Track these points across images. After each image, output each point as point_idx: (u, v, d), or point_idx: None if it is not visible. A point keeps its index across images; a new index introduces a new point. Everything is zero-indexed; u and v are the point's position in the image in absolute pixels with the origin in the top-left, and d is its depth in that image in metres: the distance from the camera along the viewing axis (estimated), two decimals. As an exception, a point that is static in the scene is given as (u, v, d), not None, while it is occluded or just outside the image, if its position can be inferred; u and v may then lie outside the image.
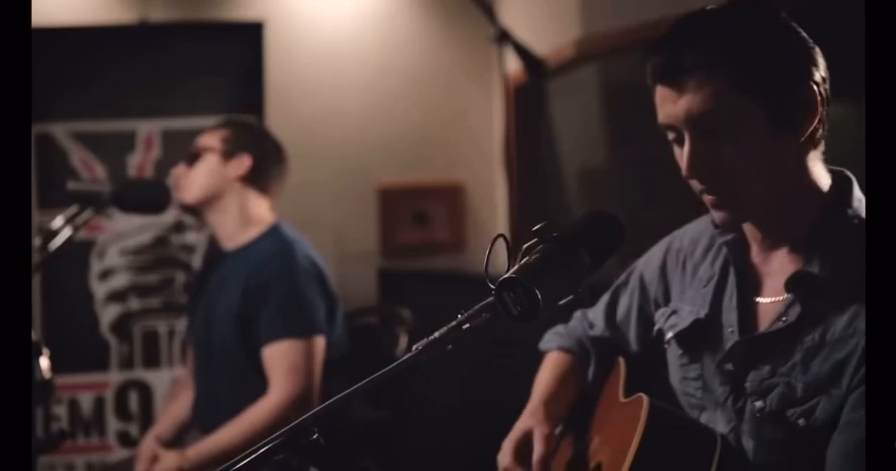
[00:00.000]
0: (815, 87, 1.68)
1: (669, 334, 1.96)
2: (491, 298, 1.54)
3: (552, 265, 1.55)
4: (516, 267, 1.55)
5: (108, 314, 4.37)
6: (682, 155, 1.71)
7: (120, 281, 4.39)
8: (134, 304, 4.40)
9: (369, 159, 4.91)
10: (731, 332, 1.83)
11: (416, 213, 4.98)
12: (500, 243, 5.08)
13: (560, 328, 2.32)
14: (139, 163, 4.39)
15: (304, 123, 4.61)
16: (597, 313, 2.23)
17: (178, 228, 4.42)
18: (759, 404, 1.76)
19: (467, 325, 1.54)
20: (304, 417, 1.53)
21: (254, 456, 1.51)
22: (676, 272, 2.01)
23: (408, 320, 3.27)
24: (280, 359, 3.01)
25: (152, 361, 4.41)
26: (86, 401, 4.34)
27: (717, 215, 1.75)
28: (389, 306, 3.44)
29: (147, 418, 4.36)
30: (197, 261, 4.43)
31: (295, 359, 3.00)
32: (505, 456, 2.11)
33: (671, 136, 1.74)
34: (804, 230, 1.74)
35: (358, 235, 4.89)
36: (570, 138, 4.50)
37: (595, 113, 4.28)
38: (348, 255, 4.77)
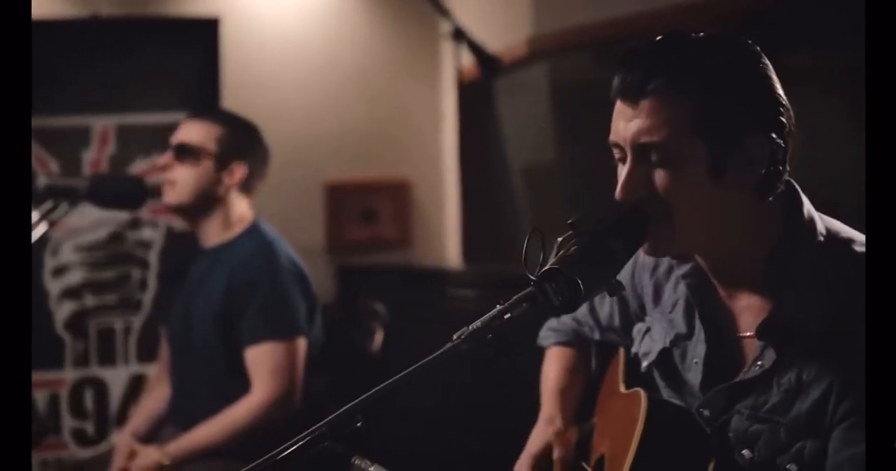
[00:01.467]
0: (767, 144, 1.66)
1: (644, 363, 1.98)
2: (531, 289, 1.57)
3: (590, 256, 1.58)
4: (555, 258, 1.59)
5: (62, 311, 4.32)
6: (620, 176, 1.70)
7: (74, 278, 4.34)
8: (89, 301, 4.35)
9: (318, 156, 4.91)
10: (695, 362, 1.85)
11: (364, 209, 5.00)
12: (448, 239, 5.07)
13: (553, 323, 2.34)
14: (94, 159, 4.34)
15: (260, 119, 4.58)
16: (584, 316, 2.24)
17: (134, 224, 4.38)
18: (746, 453, 1.77)
19: (508, 314, 1.56)
20: (348, 405, 1.56)
21: (300, 444, 1.54)
22: (643, 285, 2.01)
23: (383, 316, 3.31)
24: (263, 360, 3.01)
25: (108, 358, 4.36)
26: (40, 399, 4.29)
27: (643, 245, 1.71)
28: (363, 302, 3.46)
29: (103, 416, 4.33)
30: (153, 257, 4.40)
31: (277, 360, 3.01)
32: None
33: (617, 154, 1.72)
34: (759, 264, 1.73)
35: (305, 232, 4.89)
36: (519, 136, 4.56)
37: (545, 111, 4.34)
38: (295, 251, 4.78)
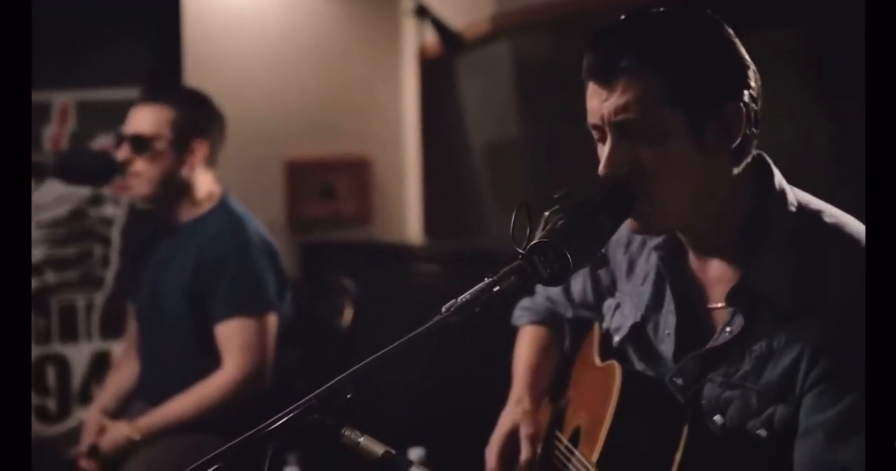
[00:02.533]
0: (742, 107, 1.69)
1: (616, 339, 2.02)
2: (520, 262, 1.59)
3: (578, 230, 1.61)
4: (544, 232, 1.60)
5: (23, 288, 4.28)
6: (602, 154, 1.72)
7: (36, 254, 4.28)
8: (50, 277, 4.31)
9: (278, 132, 4.88)
10: (667, 334, 1.89)
11: (323, 186, 4.98)
12: (408, 216, 5.05)
13: (526, 302, 2.36)
14: (54, 135, 4.29)
15: (220, 95, 4.57)
16: (557, 294, 2.26)
17: (96, 200, 4.33)
18: (718, 419, 1.80)
19: (497, 287, 1.58)
20: (337, 378, 1.58)
21: (291, 415, 1.55)
22: (616, 262, 2.03)
23: (351, 291, 3.32)
24: (234, 336, 3.02)
25: (70, 335, 4.33)
26: (1, 376, 4.25)
27: (629, 222, 1.74)
28: (332, 279, 3.47)
29: (65, 393, 4.30)
30: (115, 234, 4.36)
31: (248, 336, 3.02)
32: (491, 457, 2.18)
33: (596, 135, 1.75)
34: (733, 235, 1.77)
35: (264, 209, 4.85)
36: (481, 113, 4.57)
37: (507, 88, 4.35)
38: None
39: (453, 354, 3.02)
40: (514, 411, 2.21)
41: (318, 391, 1.56)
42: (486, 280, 1.59)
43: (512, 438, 2.18)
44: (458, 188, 4.70)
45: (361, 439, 1.56)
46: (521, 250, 1.59)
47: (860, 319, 1.61)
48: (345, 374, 1.57)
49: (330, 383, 1.57)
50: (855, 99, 2.66)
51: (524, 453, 2.14)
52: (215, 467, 1.51)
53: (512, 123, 4.34)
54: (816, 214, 1.77)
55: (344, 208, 5.01)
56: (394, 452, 1.56)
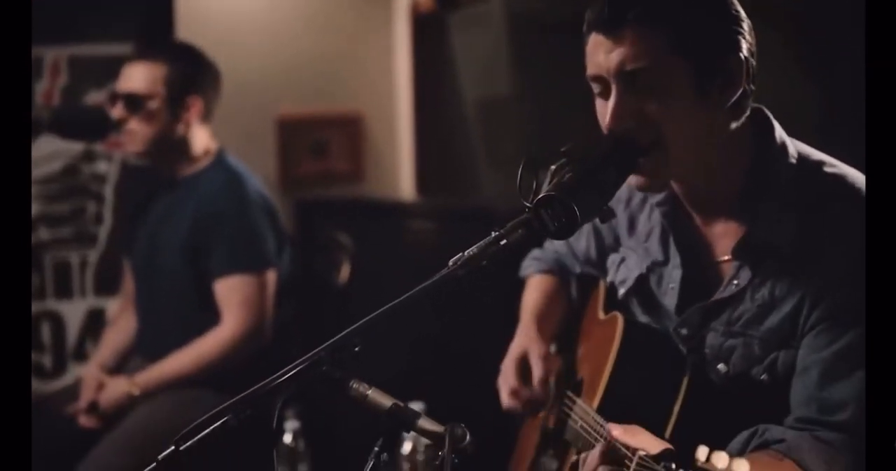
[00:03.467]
0: (741, 59, 1.71)
1: (621, 291, 2.04)
2: (527, 215, 1.59)
3: (586, 183, 1.61)
4: (551, 185, 1.60)
5: (17, 245, 4.26)
6: (606, 108, 1.71)
7: (29, 210, 4.27)
8: (44, 234, 4.29)
9: (269, 89, 4.85)
10: (671, 287, 1.91)
11: (315, 143, 4.97)
12: (401, 173, 5.04)
13: (536, 253, 2.39)
14: (46, 90, 4.25)
15: (212, 52, 4.55)
16: (564, 250, 2.30)
17: (89, 156, 4.30)
18: (721, 367, 1.84)
19: (504, 241, 1.59)
20: (346, 331, 1.58)
21: (299, 368, 1.56)
22: (616, 218, 2.02)
23: (348, 248, 3.32)
24: (233, 293, 3.02)
25: (64, 291, 4.32)
26: (-4, 333, 4.25)
27: (634, 179, 1.74)
28: (328, 235, 3.47)
29: (60, 350, 4.30)
30: (108, 191, 4.34)
31: (247, 293, 3.02)
32: (508, 377, 2.20)
33: (597, 88, 1.75)
34: (735, 188, 1.79)
35: (257, 166, 4.82)
36: (474, 68, 4.56)
37: (499, 44, 4.34)
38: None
39: (457, 308, 3.03)
40: (521, 339, 2.25)
41: (326, 344, 1.56)
42: (493, 233, 1.59)
43: (524, 359, 2.21)
44: (451, 145, 4.70)
45: (369, 392, 1.57)
46: (528, 204, 1.59)
47: (861, 265, 1.64)
48: (353, 327, 1.58)
49: (339, 336, 1.57)
50: (840, 61, 2.67)
51: (536, 371, 2.17)
52: (225, 418, 1.52)
53: (505, 79, 4.33)
54: (817, 166, 1.79)
55: (336, 165, 4.99)
56: (401, 404, 1.57)
